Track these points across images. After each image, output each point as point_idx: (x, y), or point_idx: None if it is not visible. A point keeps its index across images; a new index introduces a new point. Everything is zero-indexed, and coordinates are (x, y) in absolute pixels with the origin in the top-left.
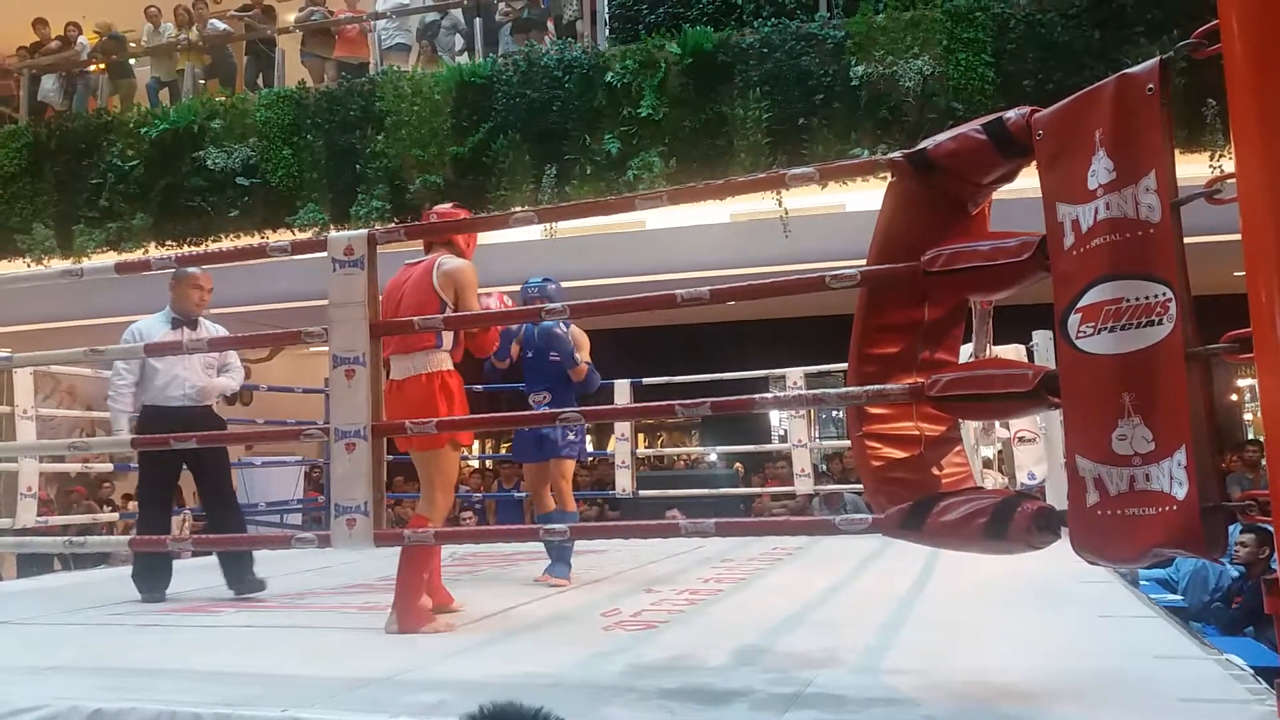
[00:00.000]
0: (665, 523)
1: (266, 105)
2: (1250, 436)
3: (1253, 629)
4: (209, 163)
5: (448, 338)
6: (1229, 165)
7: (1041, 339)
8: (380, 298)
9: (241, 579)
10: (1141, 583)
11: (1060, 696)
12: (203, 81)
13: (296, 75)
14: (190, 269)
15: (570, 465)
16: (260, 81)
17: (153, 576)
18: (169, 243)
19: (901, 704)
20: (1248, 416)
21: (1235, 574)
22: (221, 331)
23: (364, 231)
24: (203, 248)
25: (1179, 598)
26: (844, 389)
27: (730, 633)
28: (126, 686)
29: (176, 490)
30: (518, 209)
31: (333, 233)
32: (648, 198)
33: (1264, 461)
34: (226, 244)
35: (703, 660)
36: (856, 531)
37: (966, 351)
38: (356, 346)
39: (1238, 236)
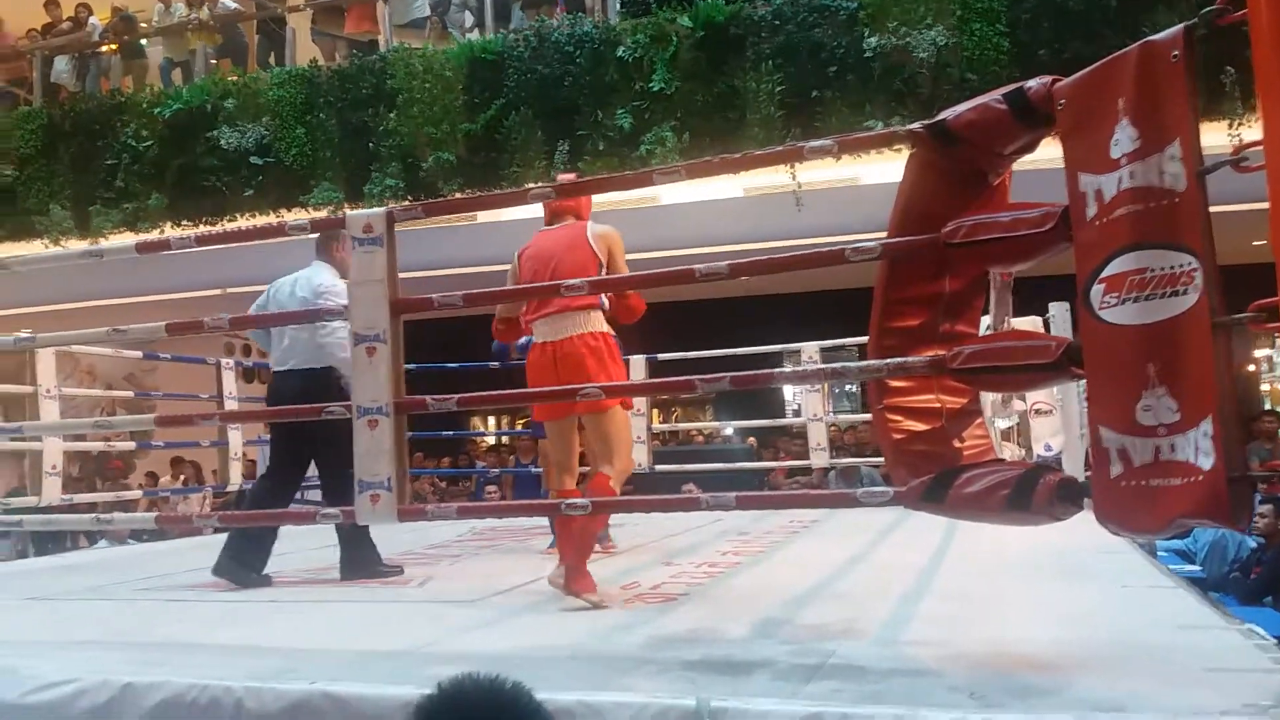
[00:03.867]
0: (687, 496)
1: (279, 84)
2: (1267, 407)
3: (1271, 599)
4: (223, 142)
5: (606, 298)
6: (1248, 134)
7: (1058, 311)
8: (517, 264)
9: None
10: (1160, 554)
11: (1083, 667)
12: (214, 61)
13: (307, 54)
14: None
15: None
16: (272, 60)
17: (254, 555)
18: (185, 223)
19: (924, 675)
20: (1264, 387)
21: (1254, 545)
22: None
23: (383, 210)
24: (218, 227)
25: (1198, 568)
26: (865, 362)
27: (750, 605)
28: (156, 660)
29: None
30: (531, 185)
31: (351, 211)
32: (665, 172)
33: None
34: (242, 223)
35: (723, 632)
36: (878, 504)
37: (984, 324)
38: (377, 324)
39: (1252, 206)
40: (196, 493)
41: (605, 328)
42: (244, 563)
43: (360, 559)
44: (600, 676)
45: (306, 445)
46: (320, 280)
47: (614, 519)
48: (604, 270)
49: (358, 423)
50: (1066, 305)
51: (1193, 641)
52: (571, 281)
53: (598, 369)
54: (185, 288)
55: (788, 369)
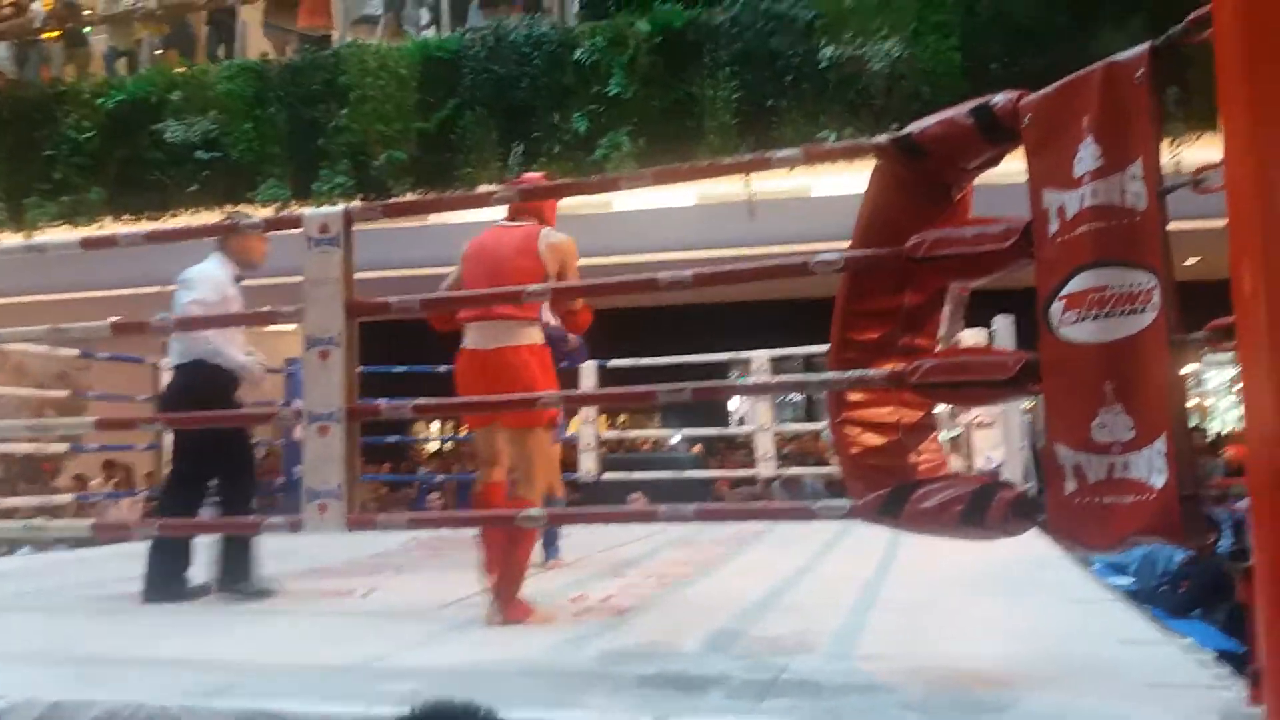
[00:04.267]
0: (644, 509)
1: (228, 77)
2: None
3: (1200, 612)
4: (167, 135)
5: (547, 310)
6: (1189, 154)
7: (1002, 324)
8: (464, 260)
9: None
10: (1095, 566)
11: (1032, 682)
12: (159, 52)
13: (258, 47)
14: (254, 222)
15: (558, 449)
16: (221, 53)
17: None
18: (125, 217)
19: (877, 690)
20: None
21: (1182, 558)
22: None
23: (340, 209)
24: (161, 222)
25: (1130, 581)
26: (826, 375)
27: (701, 618)
28: (87, 677)
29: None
30: (494, 188)
31: (308, 209)
32: (634, 178)
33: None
34: (187, 219)
35: (676, 646)
36: (835, 517)
37: None
38: (331, 327)
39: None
40: (128, 497)
41: (540, 340)
42: (170, 577)
43: (232, 575)
44: (555, 693)
45: (203, 450)
46: (187, 272)
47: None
48: (551, 281)
49: (308, 429)
50: (1011, 319)
51: (1136, 657)
52: (533, 287)
53: (528, 383)
54: (125, 284)
55: (744, 379)
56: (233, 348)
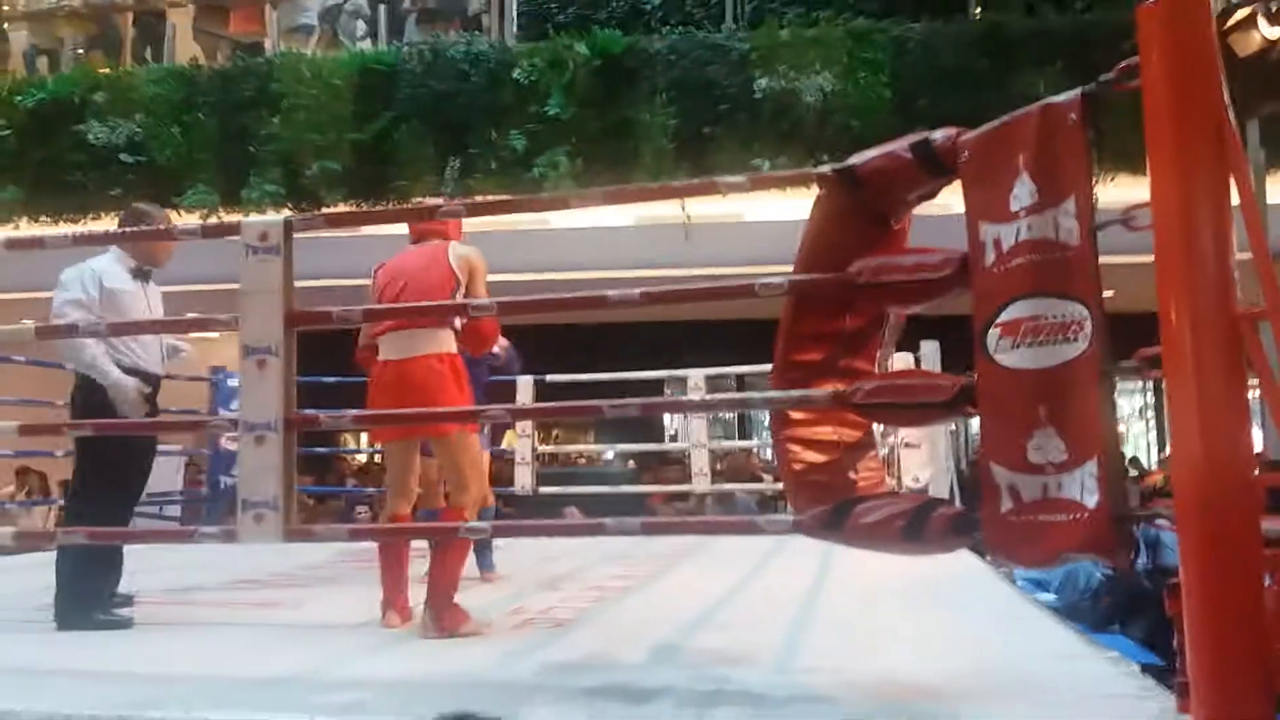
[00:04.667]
0: (589, 523)
1: (155, 81)
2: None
3: (1119, 626)
4: (90, 137)
5: (456, 320)
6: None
7: (929, 349)
8: (376, 281)
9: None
10: (1018, 581)
11: (967, 694)
12: (81, 52)
13: (188, 52)
14: (157, 211)
15: (488, 458)
16: (149, 56)
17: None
18: (43, 218)
19: (819, 702)
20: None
21: (1102, 575)
22: (158, 289)
23: (280, 218)
24: (81, 225)
25: (1052, 597)
26: (770, 393)
27: (642, 631)
28: (11, 688)
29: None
30: (440, 202)
31: (249, 217)
32: (584, 197)
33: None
34: (107, 223)
35: (618, 658)
36: (779, 532)
37: None
38: (269, 336)
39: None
40: (43, 505)
41: (453, 349)
42: (91, 599)
43: (75, 606)
44: (500, 704)
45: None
46: (66, 270)
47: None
48: (460, 291)
49: (244, 438)
50: (937, 344)
51: (1067, 669)
52: (478, 301)
53: (439, 392)
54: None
55: (686, 396)
56: (129, 352)
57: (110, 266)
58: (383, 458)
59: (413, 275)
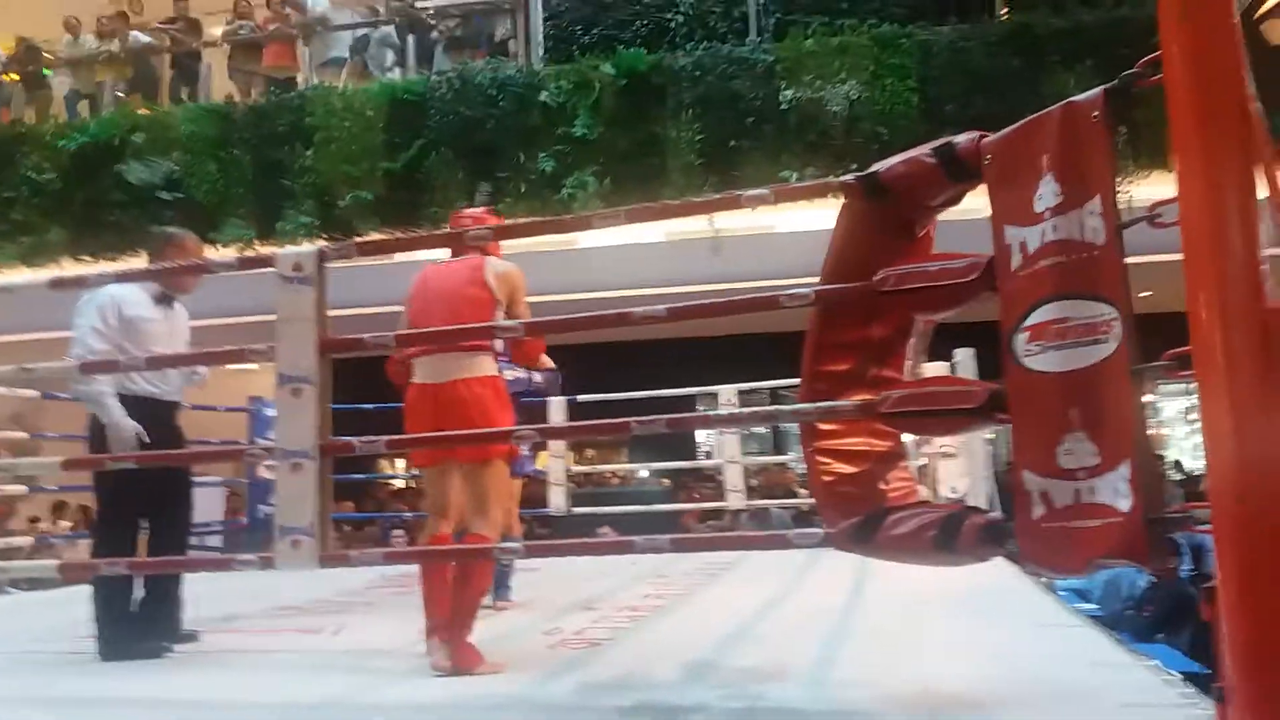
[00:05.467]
0: (618, 540)
1: (192, 119)
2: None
3: (1163, 635)
4: (130, 176)
5: (499, 342)
6: (1137, 190)
7: (964, 357)
8: (411, 291)
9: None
10: (1059, 592)
11: (1006, 705)
12: (121, 94)
13: (223, 89)
14: (183, 233)
15: (519, 484)
16: (185, 95)
17: (140, 624)
18: (85, 257)
19: (855, 715)
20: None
21: (1145, 584)
22: (184, 314)
23: (314, 248)
24: (121, 263)
25: (1094, 606)
26: (798, 405)
27: (676, 649)
28: (58, 716)
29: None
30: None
31: (283, 249)
32: (606, 216)
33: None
34: (145, 259)
35: (652, 677)
36: (809, 545)
37: None
38: (304, 364)
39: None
40: (86, 538)
41: (494, 372)
42: (121, 630)
43: (116, 637)
44: None
45: (122, 490)
46: (84, 296)
47: (527, 563)
48: (500, 310)
49: (280, 466)
50: (972, 351)
51: (1106, 679)
52: (505, 324)
53: (481, 417)
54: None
55: (714, 411)
56: (144, 380)
57: (131, 294)
58: (419, 482)
59: (454, 295)
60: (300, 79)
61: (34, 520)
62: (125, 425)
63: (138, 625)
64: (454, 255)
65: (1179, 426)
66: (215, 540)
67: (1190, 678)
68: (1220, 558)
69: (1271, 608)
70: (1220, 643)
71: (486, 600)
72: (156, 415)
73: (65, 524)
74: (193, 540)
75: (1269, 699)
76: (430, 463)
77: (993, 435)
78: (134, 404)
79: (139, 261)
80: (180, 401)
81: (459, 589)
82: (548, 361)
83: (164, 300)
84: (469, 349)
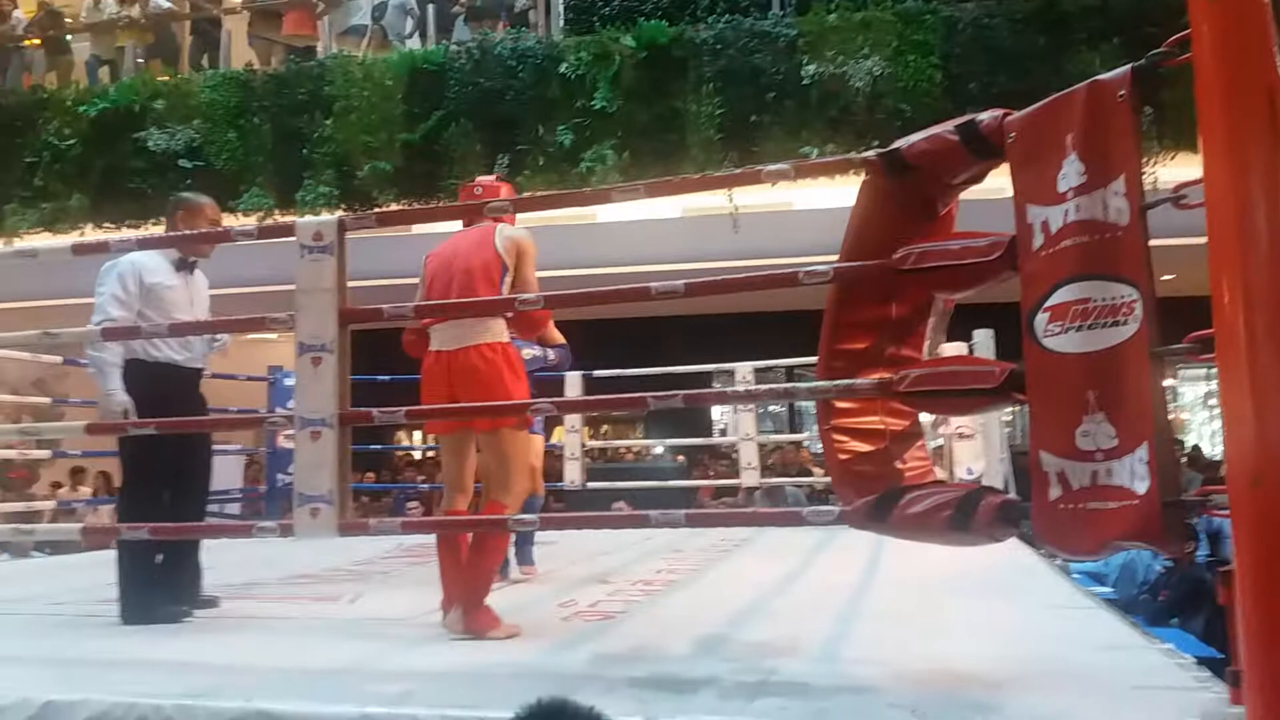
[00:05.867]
0: (634, 514)
1: (212, 87)
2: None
3: (1178, 620)
4: (150, 144)
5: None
6: (1163, 172)
7: (982, 338)
8: (426, 268)
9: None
10: (1074, 575)
11: (1019, 685)
12: (141, 61)
13: (243, 56)
14: (201, 199)
15: (540, 441)
16: (205, 62)
17: (162, 589)
18: (106, 224)
19: (866, 692)
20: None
21: (1161, 568)
22: (204, 280)
23: (334, 217)
24: (142, 230)
25: (1109, 590)
26: (815, 383)
27: (689, 623)
28: (79, 678)
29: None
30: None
31: (302, 218)
32: (625, 190)
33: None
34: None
35: (665, 650)
36: (824, 523)
37: None
38: (324, 334)
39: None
40: (107, 504)
41: (506, 338)
42: (146, 594)
43: (138, 601)
44: (550, 693)
45: (148, 457)
46: (106, 263)
47: (542, 536)
48: (508, 275)
49: (299, 434)
50: (991, 332)
51: (1119, 661)
52: (523, 295)
53: (494, 383)
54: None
55: (728, 388)
56: (166, 346)
57: (151, 261)
58: (436, 453)
59: (461, 260)
60: (320, 47)
61: (56, 485)
62: (117, 398)
63: (160, 590)
64: (466, 226)
65: (1198, 412)
66: (234, 508)
67: (1204, 662)
68: (1237, 542)
69: None
70: (1235, 627)
71: (511, 566)
72: (179, 382)
73: (86, 490)
74: (212, 507)
75: None
76: (445, 430)
77: (1009, 417)
78: (157, 370)
79: (160, 229)
80: (203, 368)
81: (475, 555)
82: (557, 335)
83: (184, 267)
84: (480, 315)
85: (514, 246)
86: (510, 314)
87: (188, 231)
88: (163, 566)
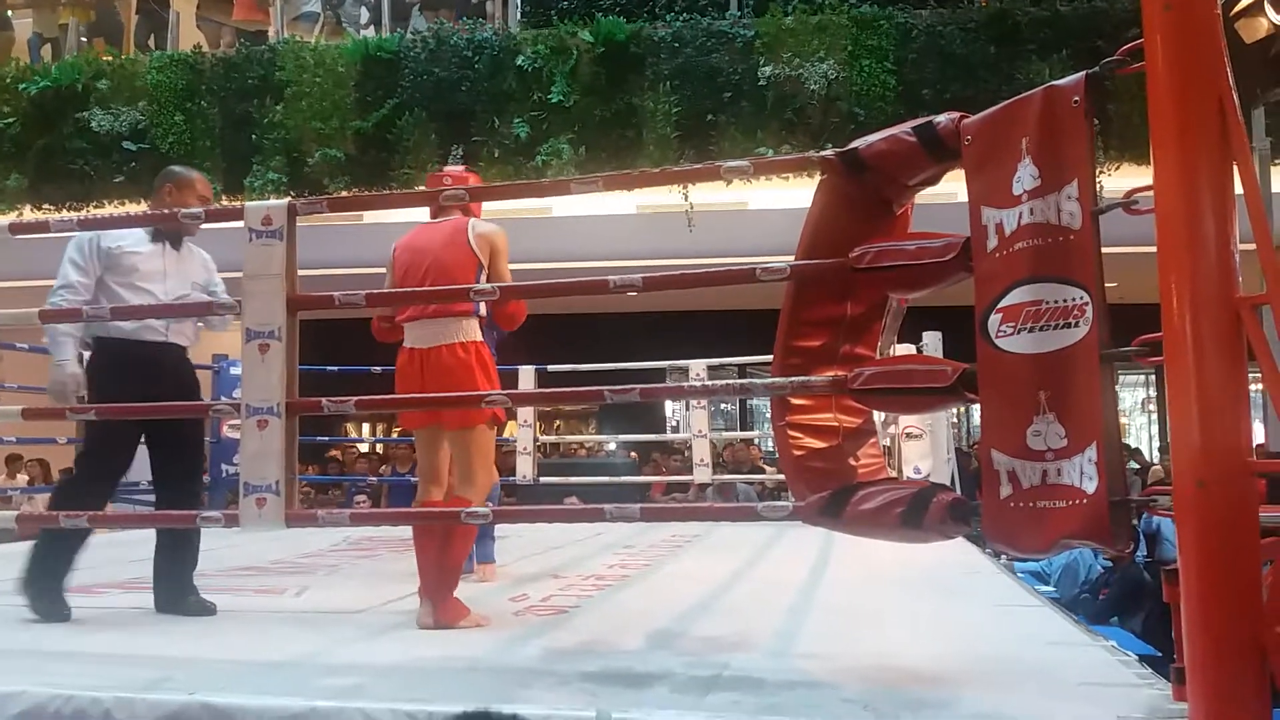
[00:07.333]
0: (589, 508)
1: (159, 68)
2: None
3: (1117, 618)
4: (94, 124)
5: (483, 305)
6: (1108, 181)
7: (931, 339)
8: (395, 260)
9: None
10: (1018, 573)
11: (966, 681)
12: (85, 40)
13: (191, 38)
14: (192, 173)
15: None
16: (151, 43)
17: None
18: (46, 206)
19: (819, 687)
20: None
21: (1101, 568)
22: (207, 257)
23: (284, 201)
24: (84, 212)
25: (1052, 589)
26: (770, 379)
27: (642, 618)
28: (14, 669)
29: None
30: (444, 187)
31: (251, 201)
32: (584, 182)
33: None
34: (110, 210)
35: (617, 644)
36: (778, 518)
37: None
38: (272, 320)
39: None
40: (43, 493)
41: (479, 337)
42: (50, 589)
43: (37, 586)
44: (499, 689)
45: (108, 440)
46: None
47: (497, 530)
48: (483, 272)
49: (246, 422)
50: (939, 334)
51: (1065, 658)
52: (481, 286)
53: (466, 382)
54: (41, 275)
55: (685, 383)
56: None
57: (120, 230)
58: (387, 447)
59: (436, 256)
60: (271, 33)
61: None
62: (68, 369)
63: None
64: (434, 216)
65: (1136, 417)
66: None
67: (1144, 659)
68: (1182, 542)
69: (1231, 589)
70: (1179, 625)
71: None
72: (161, 359)
73: (23, 477)
74: (151, 497)
75: (1226, 682)
76: (418, 425)
77: (955, 418)
78: (119, 346)
79: (103, 211)
80: (188, 345)
81: (442, 549)
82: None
83: (161, 238)
84: (454, 313)
85: (488, 243)
86: (481, 315)
87: (133, 214)
88: (158, 556)
